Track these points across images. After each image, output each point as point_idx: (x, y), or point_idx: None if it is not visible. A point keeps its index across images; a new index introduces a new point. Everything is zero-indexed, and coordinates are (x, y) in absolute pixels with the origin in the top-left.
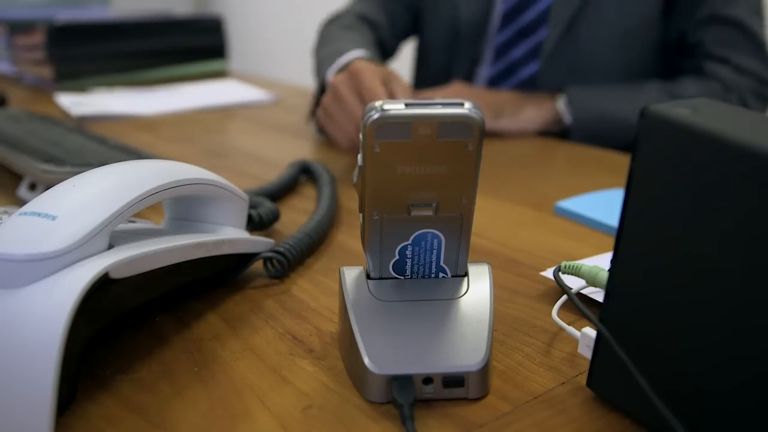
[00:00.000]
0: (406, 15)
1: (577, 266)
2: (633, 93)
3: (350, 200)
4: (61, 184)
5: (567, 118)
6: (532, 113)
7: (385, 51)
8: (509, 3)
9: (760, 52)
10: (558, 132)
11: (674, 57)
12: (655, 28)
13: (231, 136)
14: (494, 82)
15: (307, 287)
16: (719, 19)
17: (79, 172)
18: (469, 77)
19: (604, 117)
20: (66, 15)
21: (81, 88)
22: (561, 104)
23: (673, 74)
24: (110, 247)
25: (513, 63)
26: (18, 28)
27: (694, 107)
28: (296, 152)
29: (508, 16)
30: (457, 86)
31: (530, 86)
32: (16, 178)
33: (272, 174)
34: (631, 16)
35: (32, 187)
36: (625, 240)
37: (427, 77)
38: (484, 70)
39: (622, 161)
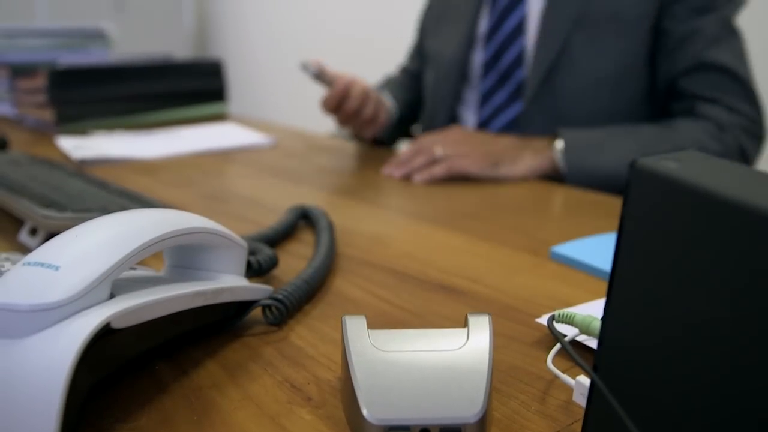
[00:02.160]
0: (420, 62)
1: (570, 315)
2: (630, 139)
3: (348, 246)
4: (64, 233)
5: (564, 166)
6: (529, 161)
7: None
8: (488, 52)
9: (749, 95)
10: (556, 177)
11: (664, 101)
12: (641, 75)
13: (230, 180)
14: (481, 126)
15: (305, 334)
16: (706, 66)
17: (80, 218)
18: (456, 120)
19: (601, 167)
20: (68, 58)
21: (82, 131)
22: (558, 153)
23: (664, 117)
24: (112, 296)
25: (497, 108)
26: (20, 71)
27: (681, 160)
28: (295, 197)
29: (488, 65)
30: (456, 131)
31: (515, 128)
32: (17, 222)
33: (271, 219)
34: (608, 64)
35: (33, 232)
36: (617, 291)
37: (425, 119)
38: (472, 116)
39: (618, 205)
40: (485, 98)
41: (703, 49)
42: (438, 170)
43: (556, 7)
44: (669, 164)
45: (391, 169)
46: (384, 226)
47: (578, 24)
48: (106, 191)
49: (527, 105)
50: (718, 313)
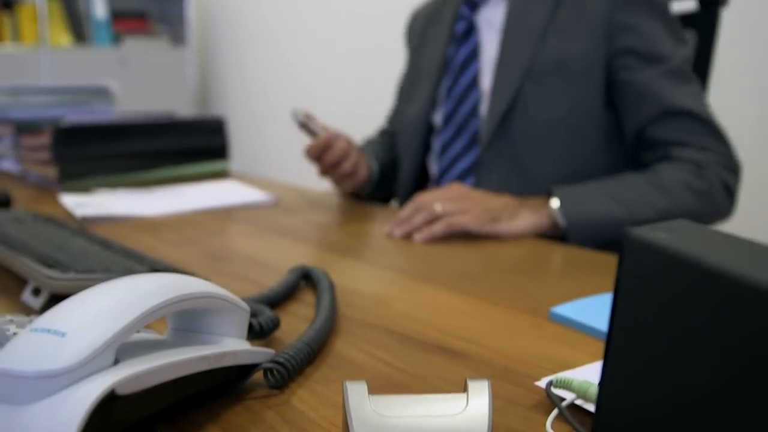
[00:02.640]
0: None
1: (568, 381)
2: (621, 187)
3: (349, 307)
4: (71, 299)
5: (561, 219)
6: (528, 218)
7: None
8: (448, 106)
9: (716, 134)
10: (554, 234)
11: (635, 152)
12: (597, 120)
13: (231, 239)
14: (441, 175)
15: (306, 398)
16: (670, 112)
17: (83, 279)
18: (423, 169)
19: (597, 221)
20: (71, 115)
21: (85, 189)
22: (554, 207)
23: (635, 167)
24: (116, 361)
25: (454, 157)
26: (24, 128)
27: (672, 230)
28: (296, 255)
29: (447, 118)
30: (454, 188)
31: (472, 174)
32: (20, 281)
33: (272, 279)
34: (559, 110)
35: (36, 292)
36: (612, 357)
37: (400, 173)
38: (434, 165)
39: (615, 263)
40: (444, 149)
41: (664, 97)
42: (438, 228)
43: (506, 61)
44: (660, 234)
45: (392, 229)
46: (384, 285)
47: (528, 74)
48: (109, 251)
49: (483, 151)
50: (709, 377)
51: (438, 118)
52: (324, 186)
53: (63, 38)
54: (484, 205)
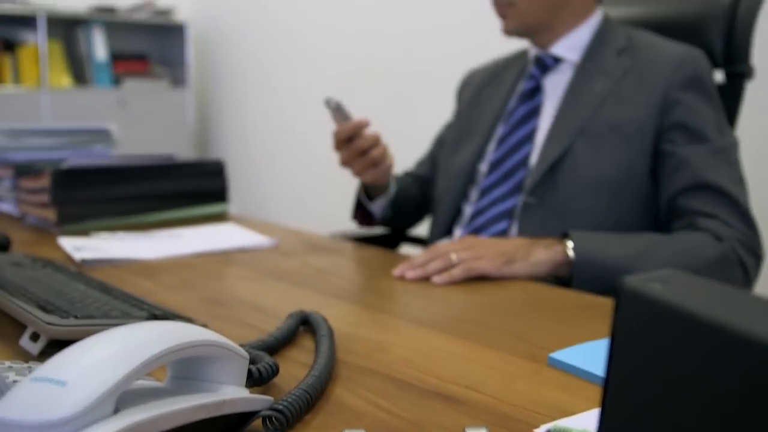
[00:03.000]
0: (433, 170)
1: (566, 430)
2: (634, 240)
3: (348, 353)
4: (71, 348)
5: (573, 257)
6: (542, 256)
7: (423, 197)
8: (497, 154)
9: (746, 219)
10: (561, 278)
11: (666, 221)
12: (641, 184)
13: (230, 283)
14: (475, 215)
15: None
16: (704, 186)
17: (82, 325)
18: (459, 214)
19: (606, 263)
20: (71, 156)
21: (84, 231)
22: (567, 245)
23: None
24: (116, 410)
25: (495, 199)
26: (23, 170)
27: (666, 281)
28: (295, 300)
29: (494, 165)
30: (467, 238)
31: (510, 217)
32: (18, 325)
33: (271, 323)
34: (608, 168)
35: (34, 337)
36: (609, 406)
37: (434, 217)
38: (469, 209)
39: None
40: (484, 192)
41: (701, 171)
42: (456, 272)
43: (563, 119)
44: (654, 285)
45: (405, 270)
46: (383, 331)
47: (582, 132)
48: (108, 295)
49: (526, 197)
50: (703, 426)
51: (484, 166)
52: (324, 229)
53: (63, 80)
54: (498, 248)
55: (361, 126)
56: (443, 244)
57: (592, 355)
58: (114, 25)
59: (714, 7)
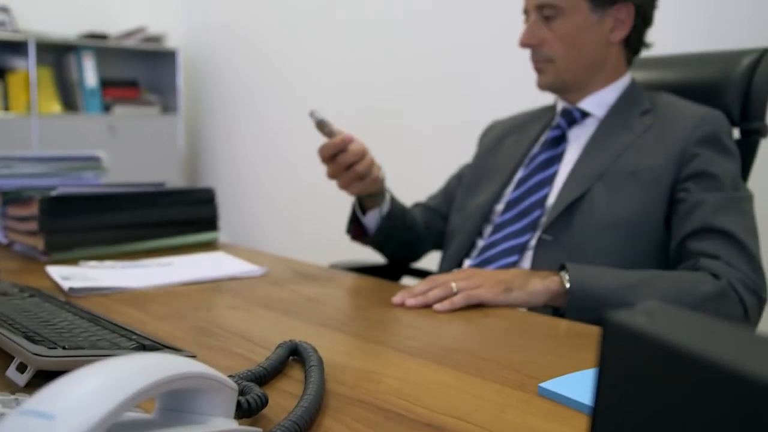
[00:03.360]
0: (446, 205)
1: None
2: (632, 274)
3: (338, 383)
4: (59, 381)
5: (569, 286)
6: (539, 286)
7: (428, 229)
8: (516, 193)
9: (752, 263)
10: (557, 309)
11: (675, 264)
12: (656, 230)
13: (220, 312)
14: (487, 248)
15: None
16: (711, 230)
17: (70, 356)
18: (473, 247)
19: (601, 293)
20: (60, 184)
21: (72, 260)
22: (563, 275)
23: None
24: None
25: (508, 234)
26: (11, 198)
27: (650, 314)
28: (285, 329)
29: (512, 203)
30: (466, 269)
31: (523, 251)
32: (5, 355)
33: (261, 353)
34: (624, 211)
35: (21, 368)
36: None
37: (448, 250)
38: (481, 242)
39: None
40: (498, 227)
41: (711, 216)
42: (457, 299)
43: (585, 164)
44: (639, 318)
45: (405, 298)
46: (373, 361)
47: (601, 177)
48: (97, 325)
49: (541, 234)
50: None
51: (500, 206)
52: (314, 258)
53: (53, 106)
54: (496, 278)
55: (345, 143)
56: (442, 274)
57: (582, 385)
58: (104, 51)
59: (733, 71)
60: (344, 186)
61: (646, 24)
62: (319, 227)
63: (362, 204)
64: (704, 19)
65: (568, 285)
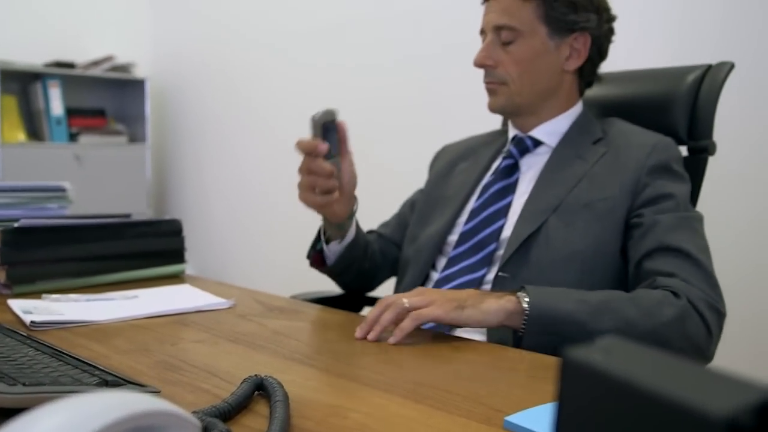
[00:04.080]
0: (400, 233)
1: None
2: (591, 295)
3: (303, 419)
4: (19, 419)
5: (526, 305)
6: (493, 305)
7: (384, 257)
8: (469, 225)
9: (708, 279)
10: (519, 328)
11: (633, 289)
12: (613, 260)
13: (185, 347)
14: (442, 282)
15: None
16: (666, 248)
17: (31, 392)
18: (425, 280)
19: (559, 315)
20: (23, 215)
21: (35, 293)
22: (520, 295)
23: None
24: None
25: (464, 268)
26: None
27: (608, 350)
28: (251, 364)
29: (466, 236)
30: (419, 288)
31: (478, 286)
32: None
33: (226, 389)
34: (579, 243)
35: None
36: None
37: (401, 282)
38: (436, 275)
39: None
40: (453, 261)
41: (665, 235)
42: (406, 324)
43: (538, 197)
44: (595, 355)
45: (363, 333)
46: (340, 395)
47: (555, 210)
48: (59, 361)
49: (498, 271)
50: None
51: (453, 237)
52: (284, 290)
53: (18, 135)
54: (450, 295)
55: (318, 150)
56: (393, 296)
57: (548, 418)
58: (71, 79)
59: (678, 88)
60: (300, 190)
61: (600, 56)
62: (289, 259)
63: (326, 232)
64: (667, 36)
65: (525, 305)
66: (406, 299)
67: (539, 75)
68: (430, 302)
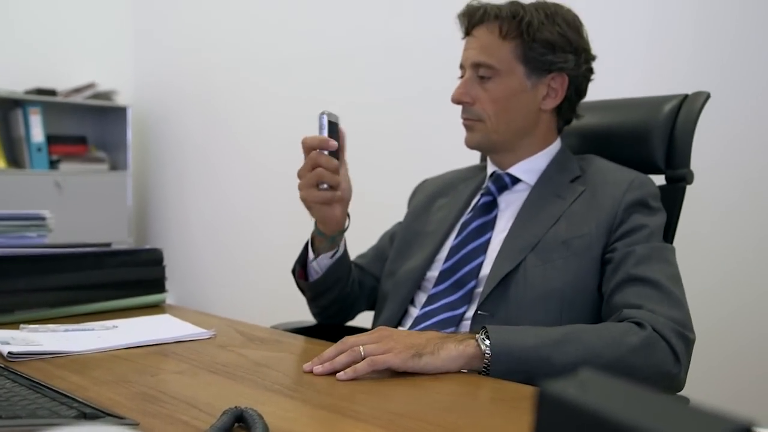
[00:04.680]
0: (378, 265)
1: None
2: (553, 330)
3: None
4: None
5: (487, 347)
6: (453, 351)
7: (362, 287)
8: (449, 263)
9: (675, 304)
10: (481, 370)
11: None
12: (590, 299)
13: (165, 378)
14: (422, 319)
15: None
16: (635, 279)
17: (7, 426)
18: (404, 315)
19: (522, 353)
20: (1, 244)
21: (13, 323)
22: (480, 338)
23: None
24: None
25: (443, 305)
26: None
27: (582, 384)
28: (231, 395)
29: (445, 274)
30: (380, 330)
31: (457, 324)
32: None
33: (205, 420)
34: (557, 281)
35: None
36: None
37: (379, 316)
38: (415, 311)
39: None
40: (433, 298)
41: (634, 267)
42: (361, 367)
43: (516, 235)
44: (569, 389)
45: (314, 365)
46: (321, 427)
47: (533, 248)
48: (37, 393)
49: (477, 309)
50: None
51: (433, 273)
52: (266, 320)
53: None
54: (409, 341)
55: (329, 145)
56: (354, 336)
57: None
58: (52, 106)
59: (656, 117)
60: (302, 186)
61: (579, 95)
62: (271, 288)
63: (314, 245)
64: (644, 67)
65: (487, 348)
66: (362, 347)
67: (516, 114)
68: (388, 350)
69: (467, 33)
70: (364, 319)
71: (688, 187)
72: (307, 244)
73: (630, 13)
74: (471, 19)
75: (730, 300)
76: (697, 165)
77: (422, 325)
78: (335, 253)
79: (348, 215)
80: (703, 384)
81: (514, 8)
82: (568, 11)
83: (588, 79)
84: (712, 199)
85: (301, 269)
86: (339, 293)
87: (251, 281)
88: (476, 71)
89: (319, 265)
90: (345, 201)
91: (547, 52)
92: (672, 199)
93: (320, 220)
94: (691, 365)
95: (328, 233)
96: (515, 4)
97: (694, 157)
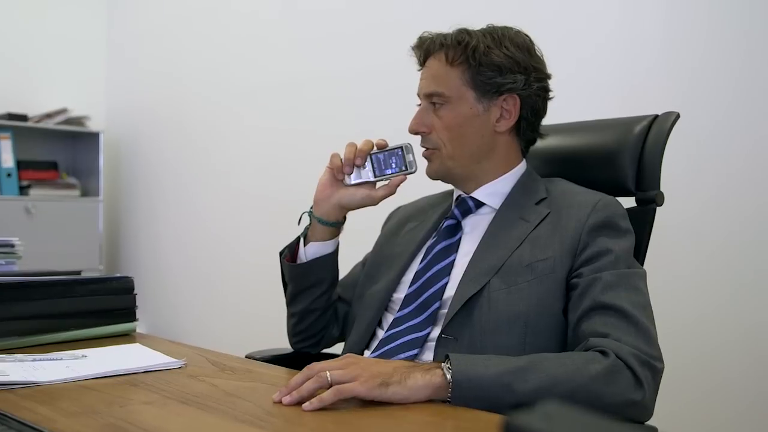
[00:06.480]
0: (350, 292)
1: None
2: (517, 359)
3: None
4: None
5: (451, 377)
6: (419, 381)
7: (335, 313)
8: (414, 287)
9: (641, 333)
10: (446, 399)
11: (571, 349)
12: (554, 320)
13: (134, 409)
14: (386, 341)
15: None
16: (601, 306)
17: None
18: (372, 338)
19: (489, 375)
20: None
21: None
22: (444, 366)
23: None
24: None
25: (408, 327)
26: None
27: (548, 416)
28: (201, 427)
29: (410, 297)
30: (347, 357)
31: (421, 346)
32: None
33: None
34: (521, 304)
35: None
36: None
37: (348, 341)
38: (381, 333)
39: None
40: (398, 321)
41: (601, 294)
42: (326, 396)
43: (480, 258)
44: (534, 421)
45: (282, 396)
46: None
47: (497, 271)
48: (2, 425)
49: (442, 332)
50: None
51: (399, 295)
52: (234, 350)
53: None
54: (375, 369)
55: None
56: (321, 362)
57: None
58: (23, 131)
59: (625, 139)
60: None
61: (536, 115)
62: (243, 316)
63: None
64: (613, 88)
65: (449, 377)
66: (329, 373)
67: (469, 138)
68: (354, 377)
69: (421, 64)
70: (338, 349)
71: (659, 209)
72: (298, 237)
73: (602, 34)
74: (422, 51)
75: (698, 321)
76: (666, 187)
77: (386, 348)
78: (327, 247)
79: (344, 218)
80: (677, 415)
81: (460, 36)
82: (518, 33)
83: (543, 98)
84: (682, 221)
85: (289, 255)
86: (319, 296)
87: (224, 309)
88: (430, 100)
89: (310, 251)
90: (371, 197)
91: (495, 74)
92: (642, 221)
93: (339, 196)
94: (663, 395)
95: (325, 217)
96: (462, 32)
97: (664, 179)
